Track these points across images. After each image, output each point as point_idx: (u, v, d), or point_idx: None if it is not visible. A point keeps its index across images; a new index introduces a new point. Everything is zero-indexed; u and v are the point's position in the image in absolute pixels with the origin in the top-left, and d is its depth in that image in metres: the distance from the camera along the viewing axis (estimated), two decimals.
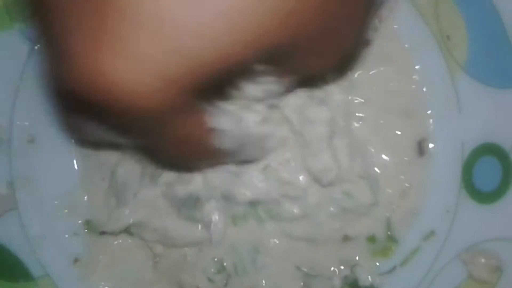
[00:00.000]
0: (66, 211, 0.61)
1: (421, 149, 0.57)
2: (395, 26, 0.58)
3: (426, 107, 0.57)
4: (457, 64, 0.55)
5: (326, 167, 0.53)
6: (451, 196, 0.55)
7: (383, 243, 0.57)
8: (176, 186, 0.55)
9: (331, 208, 0.55)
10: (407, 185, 0.57)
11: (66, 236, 0.61)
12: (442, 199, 0.56)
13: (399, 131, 0.57)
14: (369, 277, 0.57)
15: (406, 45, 0.58)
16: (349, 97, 0.56)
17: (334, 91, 0.55)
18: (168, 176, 0.56)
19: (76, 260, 0.61)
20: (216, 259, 0.58)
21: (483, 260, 0.50)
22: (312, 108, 0.53)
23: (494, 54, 0.53)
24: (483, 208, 0.53)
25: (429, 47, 0.56)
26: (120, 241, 0.61)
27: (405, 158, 0.57)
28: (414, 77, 0.58)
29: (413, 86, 0.57)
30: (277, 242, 0.57)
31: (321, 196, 0.55)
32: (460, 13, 0.54)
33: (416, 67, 0.58)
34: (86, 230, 0.61)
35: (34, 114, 0.60)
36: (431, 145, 0.57)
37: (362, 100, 0.57)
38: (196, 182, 0.55)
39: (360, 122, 0.57)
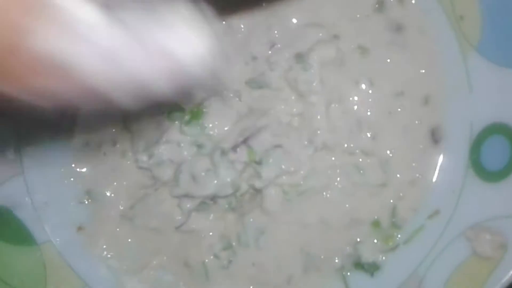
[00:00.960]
0: (71, 179, 0.62)
1: (435, 137, 0.57)
2: (412, 1, 0.58)
3: (441, 92, 0.57)
4: (469, 44, 0.55)
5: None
6: (458, 176, 0.56)
7: (386, 231, 0.58)
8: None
9: (341, 181, 0.56)
10: (417, 175, 0.58)
11: (71, 204, 0.62)
12: (449, 179, 0.56)
13: (415, 117, 0.58)
14: (372, 253, 0.58)
15: (421, 27, 0.58)
16: (363, 85, 0.57)
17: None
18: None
19: (80, 228, 0.61)
20: (222, 236, 0.59)
21: (488, 237, 0.50)
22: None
23: (507, 34, 0.53)
24: (489, 186, 0.53)
25: (442, 27, 0.57)
26: (124, 210, 0.62)
27: (420, 146, 0.58)
28: (428, 62, 0.58)
29: (428, 71, 0.58)
30: (287, 228, 0.59)
31: (331, 166, 0.56)
32: None
33: (431, 50, 0.58)
34: (87, 201, 0.62)
35: None
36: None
37: (376, 86, 0.58)
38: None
39: (373, 107, 0.58)
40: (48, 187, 0.61)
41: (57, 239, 0.60)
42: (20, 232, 0.59)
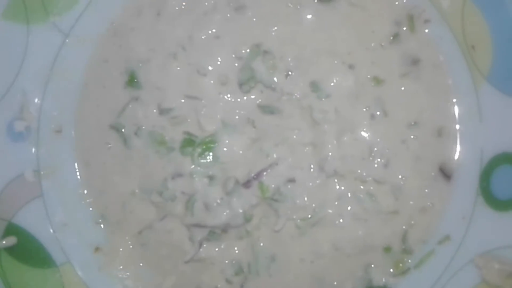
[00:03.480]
0: (88, 200, 0.65)
1: (446, 168, 0.60)
2: (426, 31, 0.61)
3: (453, 122, 0.60)
4: (481, 74, 0.58)
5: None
6: (468, 202, 0.58)
7: (397, 255, 0.61)
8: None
9: (353, 208, 0.59)
10: (429, 204, 0.60)
11: (88, 225, 0.65)
12: (459, 205, 0.59)
13: (427, 148, 0.60)
14: (383, 278, 0.61)
15: (435, 60, 0.61)
16: (377, 113, 0.60)
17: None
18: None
19: (97, 249, 0.64)
20: (234, 262, 0.62)
21: (496, 266, 0.53)
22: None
23: None
24: (499, 215, 0.56)
25: (454, 57, 0.59)
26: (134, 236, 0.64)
27: (432, 174, 0.60)
28: (441, 93, 0.61)
29: (442, 102, 0.60)
30: (298, 256, 0.61)
31: (343, 193, 0.59)
32: (486, 24, 0.57)
33: (444, 81, 0.61)
34: (102, 225, 0.65)
35: (63, 105, 0.64)
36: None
37: (389, 116, 0.60)
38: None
39: (385, 136, 0.60)
40: (67, 209, 0.64)
41: (76, 261, 0.63)
42: (40, 254, 0.61)
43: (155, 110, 0.63)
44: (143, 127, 0.63)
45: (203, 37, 0.62)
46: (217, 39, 0.62)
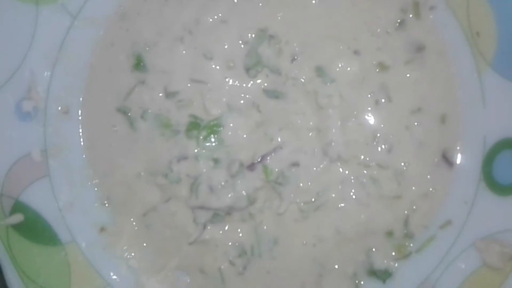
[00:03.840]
0: (94, 181, 0.66)
1: (449, 154, 0.61)
2: (430, 16, 0.62)
3: (457, 109, 0.61)
4: (485, 60, 0.59)
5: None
6: (470, 188, 0.59)
7: (399, 240, 0.61)
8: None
9: (356, 193, 0.60)
10: (431, 189, 0.61)
11: (95, 205, 0.65)
12: (462, 190, 0.60)
13: (431, 134, 0.61)
14: (384, 261, 0.61)
15: (440, 46, 0.61)
16: (382, 99, 0.61)
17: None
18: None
19: (102, 229, 0.65)
20: (237, 244, 0.63)
21: (498, 249, 0.54)
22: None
23: None
24: (500, 199, 0.56)
25: (459, 44, 0.60)
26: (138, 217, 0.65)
27: (435, 159, 0.61)
28: (445, 80, 0.61)
29: (446, 89, 0.61)
30: (301, 240, 0.62)
31: (346, 178, 0.59)
32: (491, 10, 0.58)
33: (448, 68, 0.61)
34: (107, 206, 0.66)
35: (70, 87, 0.65)
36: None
37: (393, 102, 0.61)
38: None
39: (389, 121, 0.61)
40: (73, 188, 0.65)
41: (81, 240, 0.64)
42: (46, 232, 0.62)
43: (161, 94, 0.63)
44: (149, 111, 0.63)
45: (210, 20, 0.63)
46: (224, 23, 0.63)
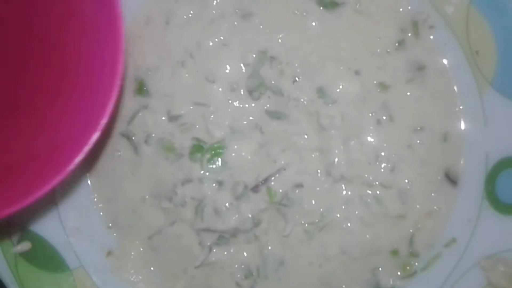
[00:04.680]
0: (100, 205, 0.67)
1: (452, 172, 0.61)
2: (431, 36, 0.63)
3: (459, 127, 0.62)
4: (485, 79, 0.60)
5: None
6: (474, 206, 0.60)
7: (404, 259, 0.62)
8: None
9: (361, 212, 0.61)
10: (435, 207, 0.62)
11: (101, 229, 0.66)
12: (465, 208, 0.61)
13: (433, 152, 0.62)
14: (390, 280, 0.62)
15: (440, 65, 0.62)
16: (383, 118, 0.62)
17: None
18: None
19: (109, 253, 0.66)
20: (243, 266, 0.63)
21: (502, 269, 0.54)
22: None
23: None
24: (504, 218, 0.57)
25: (459, 63, 0.61)
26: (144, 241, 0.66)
27: (438, 178, 0.62)
28: (446, 98, 0.62)
29: (447, 107, 0.62)
30: (307, 260, 0.63)
31: (351, 198, 0.61)
32: (490, 29, 0.59)
33: (452, 87, 0.62)
34: (113, 230, 0.67)
35: None
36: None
37: (395, 121, 0.62)
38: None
39: (391, 141, 0.62)
40: (79, 213, 0.66)
41: (89, 264, 0.65)
42: (54, 259, 0.63)
43: (164, 118, 0.64)
44: (153, 135, 0.64)
45: (211, 44, 0.64)
46: (225, 46, 0.64)
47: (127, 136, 0.66)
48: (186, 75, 0.64)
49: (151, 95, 0.65)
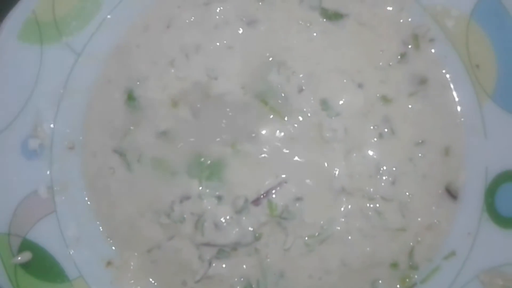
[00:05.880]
0: (98, 222, 0.67)
1: (453, 187, 0.62)
2: (432, 50, 0.63)
3: (460, 140, 0.62)
4: (485, 92, 0.60)
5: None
6: (473, 219, 0.61)
7: (404, 272, 0.63)
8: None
9: (361, 225, 0.61)
10: (435, 221, 0.63)
11: (101, 239, 0.67)
12: (465, 221, 0.61)
13: (434, 166, 0.62)
14: None
15: (442, 80, 0.63)
16: (385, 131, 0.62)
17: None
18: None
19: (108, 263, 0.66)
20: (242, 279, 0.64)
21: (501, 283, 0.55)
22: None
23: None
24: (503, 232, 0.58)
25: (459, 77, 0.62)
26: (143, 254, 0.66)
27: (439, 191, 0.63)
28: (448, 112, 0.63)
29: (448, 121, 0.63)
30: (307, 272, 0.63)
31: (351, 210, 0.61)
32: (490, 43, 0.60)
33: (453, 101, 0.63)
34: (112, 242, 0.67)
35: (75, 123, 0.66)
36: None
37: (396, 135, 0.63)
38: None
39: (393, 154, 0.62)
40: (79, 223, 0.66)
41: (88, 275, 0.65)
42: (54, 269, 0.63)
43: (155, 133, 0.65)
44: (145, 152, 0.64)
45: (211, 48, 0.65)
46: (230, 49, 0.65)
47: (120, 153, 0.66)
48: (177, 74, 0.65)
49: (141, 108, 0.65)
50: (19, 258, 0.61)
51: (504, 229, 0.58)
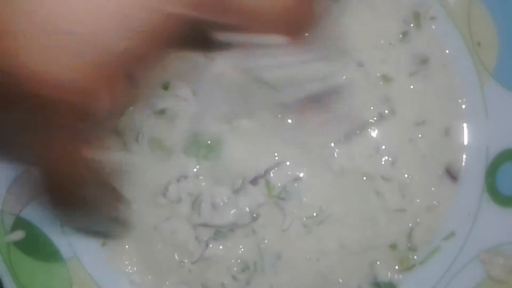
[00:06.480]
0: None
1: (453, 168, 0.62)
2: (433, 27, 0.63)
3: (460, 120, 0.62)
4: (486, 70, 0.60)
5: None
6: (474, 199, 0.60)
7: (403, 253, 0.62)
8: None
9: (360, 206, 0.61)
10: (435, 202, 0.62)
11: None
12: (465, 202, 0.61)
13: (435, 147, 0.62)
14: (388, 273, 0.62)
15: (444, 59, 0.63)
16: (385, 111, 0.62)
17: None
18: None
19: (104, 243, 0.66)
20: (239, 260, 0.63)
21: (501, 261, 0.55)
22: None
23: None
24: (504, 211, 0.58)
25: (460, 54, 0.61)
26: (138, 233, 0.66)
27: (439, 172, 0.62)
28: (449, 91, 0.62)
29: (449, 101, 0.62)
30: (304, 254, 0.63)
31: (350, 191, 0.61)
32: (491, 20, 0.59)
33: (454, 80, 0.62)
34: None
35: None
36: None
37: (397, 115, 0.62)
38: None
39: (393, 134, 0.62)
40: None
41: (83, 255, 0.64)
42: (48, 249, 0.63)
43: (153, 112, 0.64)
44: (143, 131, 0.64)
45: None
46: None
47: (118, 134, 0.65)
48: None
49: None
50: (12, 236, 0.61)
51: (504, 207, 0.57)
